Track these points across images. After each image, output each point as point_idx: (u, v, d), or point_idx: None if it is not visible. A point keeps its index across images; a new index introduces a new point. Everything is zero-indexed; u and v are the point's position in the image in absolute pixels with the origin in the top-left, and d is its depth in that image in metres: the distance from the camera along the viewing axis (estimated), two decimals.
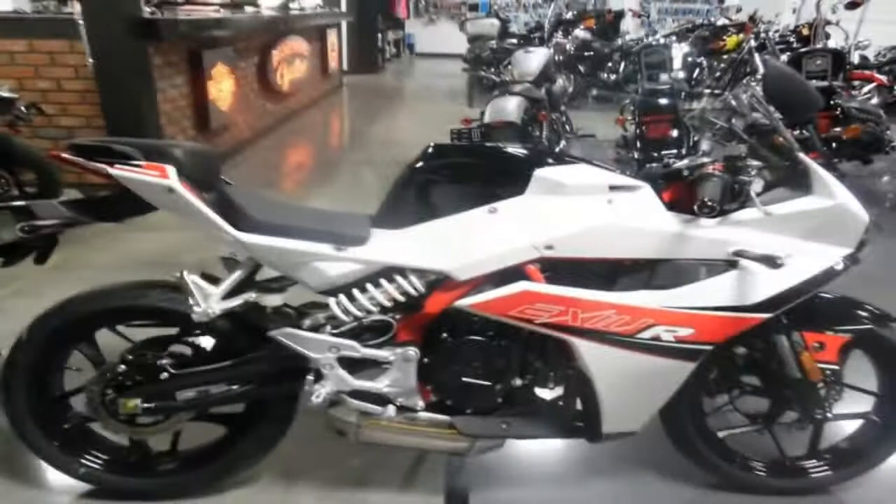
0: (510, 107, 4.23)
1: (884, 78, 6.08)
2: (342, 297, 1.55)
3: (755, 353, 1.72)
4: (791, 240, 1.49)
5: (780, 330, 1.63)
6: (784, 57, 5.48)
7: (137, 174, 1.43)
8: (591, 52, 8.62)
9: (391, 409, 1.64)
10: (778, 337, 1.63)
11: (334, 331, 1.58)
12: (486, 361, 1.61)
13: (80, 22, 3.92)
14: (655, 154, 4.28)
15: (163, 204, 1.48)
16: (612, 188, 1.50)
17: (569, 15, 9.57)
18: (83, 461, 1.76)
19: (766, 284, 1.48)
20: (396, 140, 6.72)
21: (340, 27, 10.06)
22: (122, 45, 4.01)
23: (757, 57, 4.07)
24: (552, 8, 9.35)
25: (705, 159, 1.53)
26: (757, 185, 1.47)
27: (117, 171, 1.44)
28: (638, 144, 4.47)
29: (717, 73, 7.46)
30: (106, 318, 1.65)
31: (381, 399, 1.64)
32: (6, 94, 3.43)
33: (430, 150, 1.60)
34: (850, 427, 1.89)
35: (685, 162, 1.55)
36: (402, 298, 1.54)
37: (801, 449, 1.88)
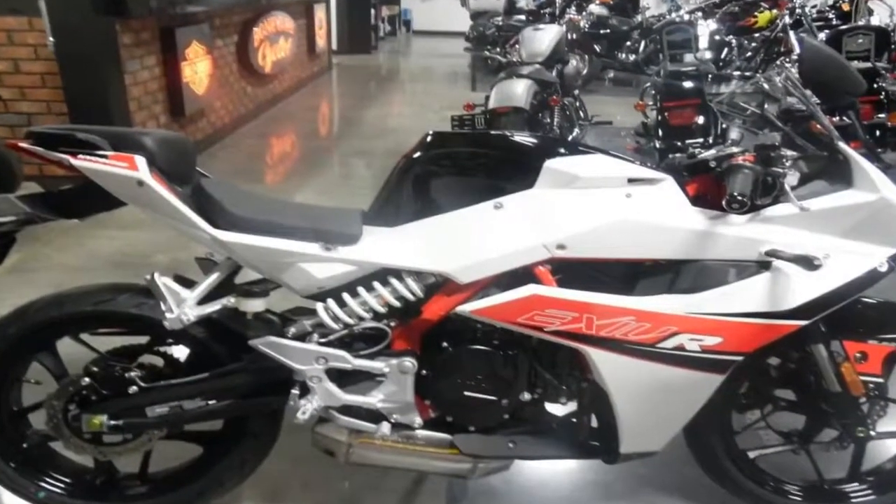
0: (518, 91, 4.23)
1: None
2: (331, 302, 1.55)
3: (790, 364, 1.72)
4: (830, 238, 1.49)
5: (817, 338, 1.62)
6: (822, 35, 5.48)
7: (104, 166, 1.43)
8: (608, 30, 8.61)
9: (385, 427, 1.64)
10: (815, 346, 1.63)
11: (322, 339, 1.58)
12: (491, 373, 1.61)
13: None
14: (679, 143, 4.29)
15: (132, 198, 1.48)
16: (631, 181, 1.50)
17: None
18: (43, 484, 1.76)
19: (803, 288, 1.47)
20: (392, 127, 6.72)
21: (329, 2, 10.06)
22: (86, 21, 4.01)
23: (792, 35, 4.07)
24: None
25: (734, 149, 1.53)
26: (792, 178, 1.47)
27: (81, 162, 1.44)
28: (660, 132, 4.47)
29: (748, 54, 7.45)
30: (68, 326, 1.64)
31: (375, 415, 1.64)
32: None
33: (430, 138, 1.60)
34: None
35: (712, 152, 1.55)
36: (397, 303, 1.54)
37: (842, 471, 1.87)
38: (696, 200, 1.51)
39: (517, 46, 5.07)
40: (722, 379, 1.55)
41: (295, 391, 1.61)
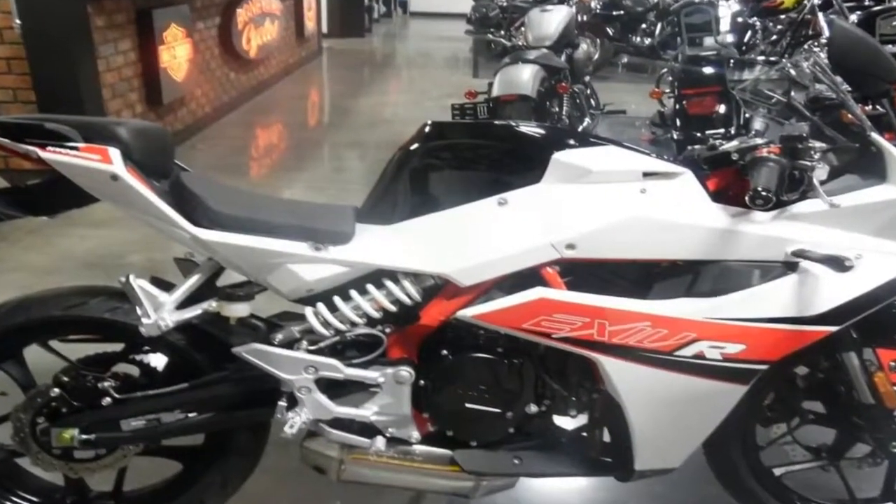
0: (523, 77, 4.24)
1: None
2: (321, 306, 1.55)
3: (819, 373, 1.72)
4: (862, 237, 1.49)
5: (848, 346, 1.62)
6: (853, 17, 5.48)
7: (74, 158, 1.43)
8: (622, 12, 8.61)
9: (380, 441, 1.64)
10: (846, 354, 1.63)
11: (312, 347, 1.58)
12: (495, 384, 1.61)
13: None
14: (699, 134, 4.28)
15: (105, 194, 1.48)
16: (647, 175, 1.50)
17: None
18: (8, 503, 1.76)
19: (832, 291, 1.47)
20: (387, 117, 6.72)
21: None
22: (55, 2, 4.01)
23: (821, 17, 4.07)
24: None
25: (759, 140, 1.53)
26: (821, 172, 1.47)
27: (50, 154, 1.44)
28: (677, 122, 4.47)
29: (773, 37, 7.45)
30: (36, 332, 1.65)
31: (369, 429, 1.64)
32: None
33: (428, 129, 1.59)
34: None
35: (734, 143, 1.55)
36: (393, 308, 1.54)
37: (875, 489, 1.87)
38: (717, 196, 1.51)
39: (523, 29, 5.07)
40: (745, 390, 1.54)
41: (282, 403, 1.61)
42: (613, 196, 1.48)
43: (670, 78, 4.74)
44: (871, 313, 1.50)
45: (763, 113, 1.65)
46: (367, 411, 1.61)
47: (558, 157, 1.49)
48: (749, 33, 7.47)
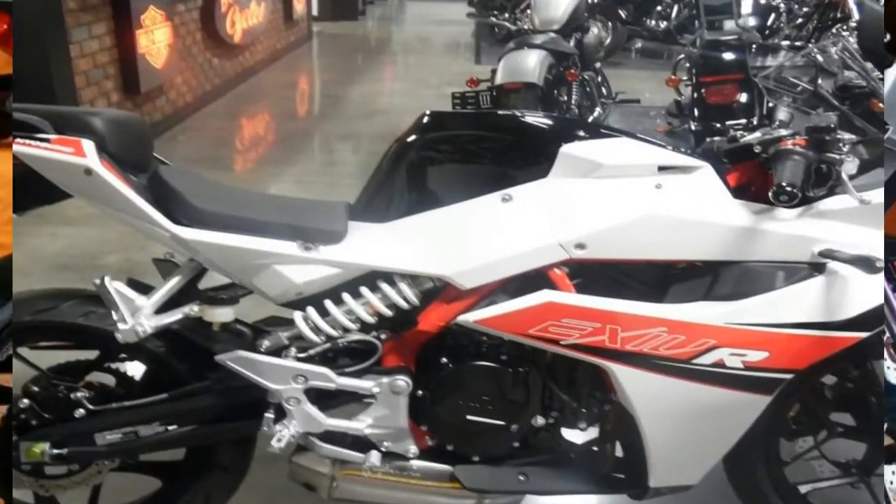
0: (529, 63, 4.24)
1: None
2: (311, 310, 1.55)
3: (848, 383, 1.72)
4: None
5: (880, 353, 1.63)
6: None
7: (45, 151, 1.44)
8: None
9: (375, 456, 1.64)
10: (878, 363, 1.63)
11: (301, 354, 1.58)
12: (499, 394, 1.61)
13: None
14: (718, 125, 4.28)
15: (78, 189, 1.48)
16: (662, 169, 1.50)
17: None
18: None
19: (863, 294, 1.48)
20: (382, 107, 6.73)
21: None
22: None
23: None
24: None
25: (783, 132, 1.53)
26: (850, 166, 1.47)
27: (19, 146, 1.44)
28: (696, 112, 4.47)
29: (799, 20, 7.46)
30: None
31: (363, 443, 1.65)
32: None
33: (426, 119, 1.60)
34: None
35: (757, 135, 1.55)
36: (389, 312, 1.54)
37: None
38: (738, 192, 1.52)
39: (529, 12, 5.08)
40: (768, 400, 1.55)
41: (269, 415, 1.61)
42: (626, 192, 1.48)
43: (688, 64, 4.73)
44: None
45: (788, 102, 1.66)
46: (361, 424, 1.61)
47: (567, 149, 1.49)
48: (773, 16, 7.49)
